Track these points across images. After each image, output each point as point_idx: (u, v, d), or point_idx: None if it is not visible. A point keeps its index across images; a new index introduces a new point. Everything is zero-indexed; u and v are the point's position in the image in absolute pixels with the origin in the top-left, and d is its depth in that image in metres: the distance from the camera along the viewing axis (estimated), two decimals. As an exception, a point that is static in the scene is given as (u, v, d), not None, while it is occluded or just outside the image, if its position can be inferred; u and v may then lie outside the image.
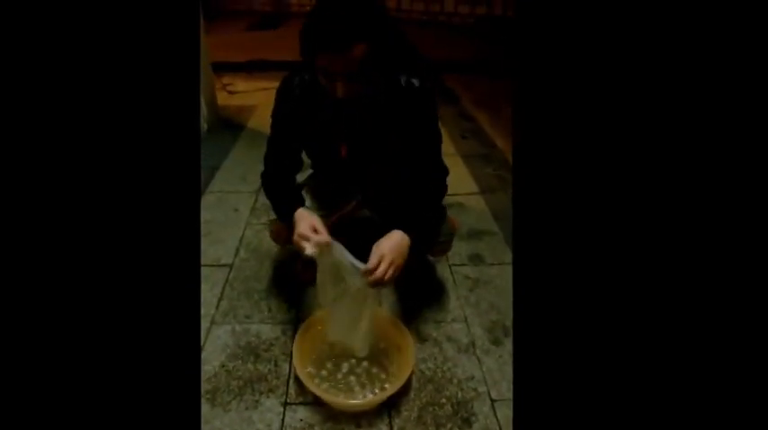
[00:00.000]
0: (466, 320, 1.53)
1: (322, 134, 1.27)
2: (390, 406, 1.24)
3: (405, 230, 1.15)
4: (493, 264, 1.79)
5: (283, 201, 1.26)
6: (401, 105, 1.18)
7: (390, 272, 1.08)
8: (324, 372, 1.29)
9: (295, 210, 1.20)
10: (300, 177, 1.49)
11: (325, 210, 1.43)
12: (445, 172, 1.31)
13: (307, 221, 1.14)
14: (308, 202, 1.36)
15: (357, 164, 1.31)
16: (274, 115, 1.29)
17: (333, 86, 1.06)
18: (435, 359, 1.39)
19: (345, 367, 1.31)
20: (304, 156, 1.38)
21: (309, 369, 1.28)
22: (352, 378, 1.28)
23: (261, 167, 1.36)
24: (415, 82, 1.18)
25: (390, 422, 1.20)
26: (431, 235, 1.34)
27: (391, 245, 1.11)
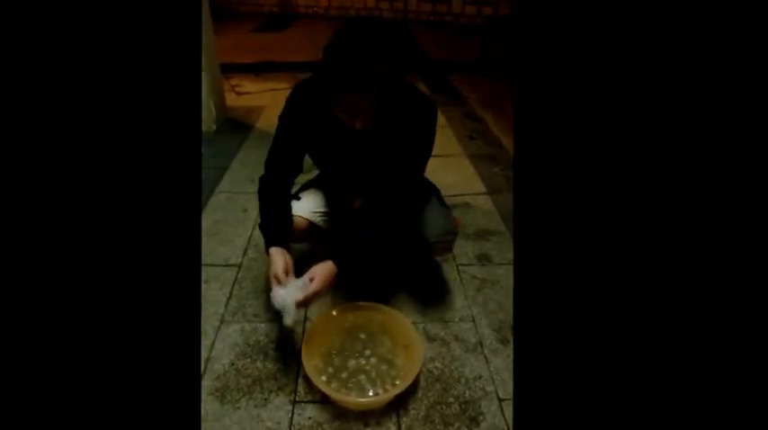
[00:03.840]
0: (473, 320, 1.53)
1: (330, 141, 1.30)
2: (398, 404, 1.24)
3: (335, 260, 1.24)
4: (500, 264, 1.79)
5: (272, 225, 1.32)
6: (403, 123, 1.23)
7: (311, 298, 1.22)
8: (332, 371, 1.30)
9: (277, 241, 1.28)
10: (306, 178, 1.56)
11: (329, 207, 1.49)
12: (417, 189, 1.36)
13: (281, 262, 1.23)
14: (315, 200, 1.48)
15: (362, 169, 1.35)
16: (282, 121, 1.31)
17: (350, 121, 1.12)
18: (443, 358, 1.39)
19: (354, 365, 1.31)
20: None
21: (318, 367, 1.29)
22: (361, 376, 1.29)
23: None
24: (420, 102, 1.24)
25: (398, 420, 1.21)
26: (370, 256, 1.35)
27: (319, 275, 1.22)
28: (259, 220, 1.37)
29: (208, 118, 2.95)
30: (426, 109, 1.25)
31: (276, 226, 1.32)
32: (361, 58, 1.01)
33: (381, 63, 1.03)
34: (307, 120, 1.27)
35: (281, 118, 1.32)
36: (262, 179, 1.39)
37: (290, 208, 1.39)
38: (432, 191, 1.50)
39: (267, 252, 1.27)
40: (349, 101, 1.08)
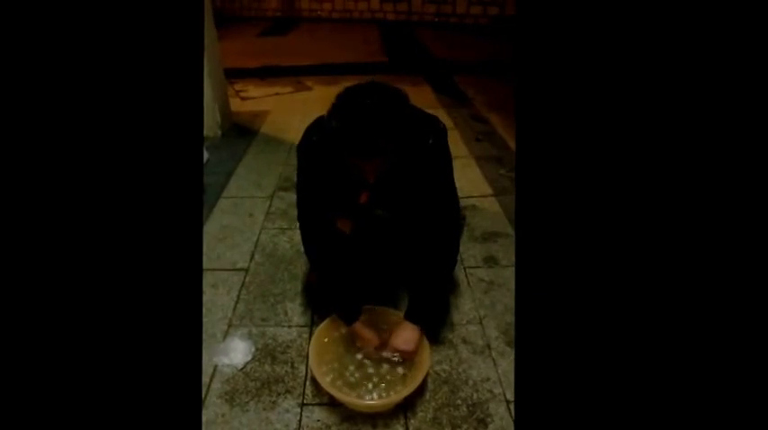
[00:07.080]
0: (481, 322, 1.53)
1: (343, 186, 1.30)
2: (406, 406, 1.24)
3: (415, 322, 1.28)
4: (507, 266, 1.78)
5: (346, 302, 1.34)
6: (417, 161, 1.23)
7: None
8: (339, 373, 1.30)
9: (355, 315, 1.32)
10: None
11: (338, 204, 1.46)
12: (456, 218, 1.35)
13: (372, 340, 1.32)
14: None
15: (376, 208, 1.37)
16: (301, 176, 1.30)
17: (363, 173, 1.13)
18: (451, 361, 1.39)
19: (362, 368, 1.32)
20: None
21: (325, 370, 1.29)
22: (369, 377, 1.29)
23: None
24: (429, 140, 1.24)
25: (406, 422, 1.21)
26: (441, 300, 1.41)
27: (404, 340, 1.27)
28: (321, 285, 1.39)
29: (213, 123, 2.97)
30: (435, 134, 1.25)
31: (350, 302, 1.34)
32: (369, 133, 1.01)
33: (388, 131, 1.02)
34: (323, 171, 1.26)
35: (299, 175, 1.30)
36: (309, 239, 1.35)
37: (344, 267, 1.37)
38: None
39: (345, 321, 1.34)
40: (361, 164, 1.09)
